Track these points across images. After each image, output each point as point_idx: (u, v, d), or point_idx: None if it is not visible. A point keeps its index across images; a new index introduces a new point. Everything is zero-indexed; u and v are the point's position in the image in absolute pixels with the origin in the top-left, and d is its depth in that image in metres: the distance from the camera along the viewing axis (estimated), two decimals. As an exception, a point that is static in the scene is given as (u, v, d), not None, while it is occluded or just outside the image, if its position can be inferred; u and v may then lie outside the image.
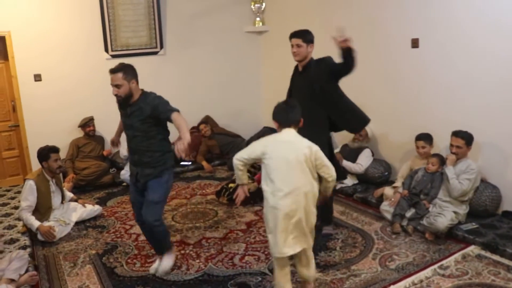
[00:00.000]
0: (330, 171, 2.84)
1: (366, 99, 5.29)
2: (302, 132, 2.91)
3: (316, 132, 3.49)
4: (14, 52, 5.67)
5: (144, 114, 3.23)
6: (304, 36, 3.76)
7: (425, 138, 4.38)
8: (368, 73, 5.27)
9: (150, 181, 3.35)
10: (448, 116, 4.45)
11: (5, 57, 5.74)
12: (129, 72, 3.26)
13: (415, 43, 4.71)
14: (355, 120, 3.87)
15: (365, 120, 3.87)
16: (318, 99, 3.72)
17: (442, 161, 4.11)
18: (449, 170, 3.93)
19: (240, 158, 2.90)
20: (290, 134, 2.84)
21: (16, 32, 5.64)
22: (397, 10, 4.86)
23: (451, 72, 4.42)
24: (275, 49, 6.93)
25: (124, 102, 3.30)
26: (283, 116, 2.86)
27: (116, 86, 3.24)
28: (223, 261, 3.65)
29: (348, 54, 3.46)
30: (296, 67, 3.97)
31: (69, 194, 4.76)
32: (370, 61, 5.23)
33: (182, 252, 3.85)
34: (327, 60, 3.75)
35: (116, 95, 3.26)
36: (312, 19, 6.05)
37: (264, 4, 6.97)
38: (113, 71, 3.27)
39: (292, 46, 3.78)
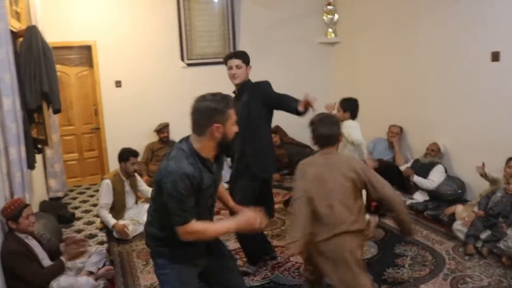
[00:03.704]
0: None
1: (441, 113, 5.15)
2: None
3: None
4: (98, 59, 6.07)
5: None
6: (244, 56, 3.46)
7: None
8: (444, 87, 5.11)
9: None
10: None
11: (91, 65, 6.16)
12: None
13: (495, 57, 4.50)
14: (261, 166, 3.46)
15: (267, 171, 3.55)
16: (252, 127, 3.36)
17: (526, 182, 3.87)
18: None
19: None
20: None
21: (100, 41, 6.05)
22: (476, 22, 4.67)
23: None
24: (346, 60, 6.89)
25: None
26: None
27: None
28: (290, 270, 3.68)
29: (303, 113, 3.22)
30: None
31: (147, 189, 4.80)
32: (447, 75, 5.07)
33: (249, 258, 3.91)
34: (262, 86, 3.47)
35: None
36: (384, 31, 5.97)
37: (336, 15, 6.95)
38: None
39: (231, 68, 3.42)
